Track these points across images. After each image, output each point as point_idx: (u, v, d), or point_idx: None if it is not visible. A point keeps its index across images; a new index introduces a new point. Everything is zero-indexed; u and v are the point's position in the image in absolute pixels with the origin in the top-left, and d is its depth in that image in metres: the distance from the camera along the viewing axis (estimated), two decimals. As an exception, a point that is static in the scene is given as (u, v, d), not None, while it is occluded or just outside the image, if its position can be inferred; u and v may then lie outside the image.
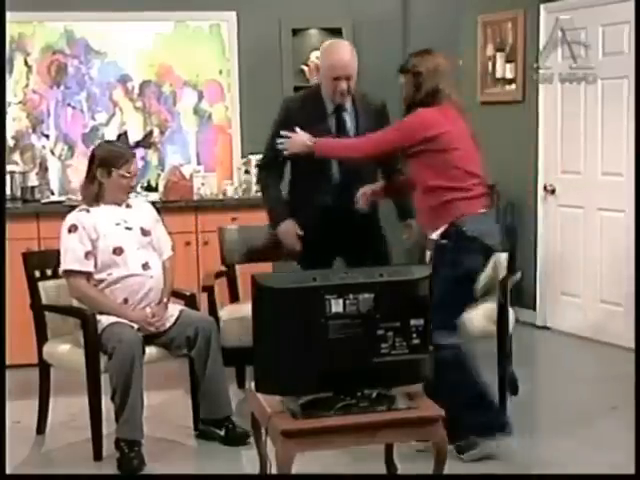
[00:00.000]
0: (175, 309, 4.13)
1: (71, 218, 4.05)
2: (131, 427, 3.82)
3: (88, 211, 4.06)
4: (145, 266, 4.03)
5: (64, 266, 4.00)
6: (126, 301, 3.99)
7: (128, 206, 4.14)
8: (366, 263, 4.03)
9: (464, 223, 3.71)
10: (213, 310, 4.41)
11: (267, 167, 4.36)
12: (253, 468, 3.58)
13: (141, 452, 3.81)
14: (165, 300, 4.10)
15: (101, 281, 3.99)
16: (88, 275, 3.98)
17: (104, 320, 3.90)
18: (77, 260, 3.96)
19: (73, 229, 3.99)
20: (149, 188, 5.89)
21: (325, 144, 3.94)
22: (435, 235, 3.79)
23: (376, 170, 4.29)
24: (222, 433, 4.05)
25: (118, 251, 3.99)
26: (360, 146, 3.91)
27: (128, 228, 4.06)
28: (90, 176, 4.07)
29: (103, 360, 3.86)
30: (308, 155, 3.93)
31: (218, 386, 4.07)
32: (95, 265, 3.98)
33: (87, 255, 3.96)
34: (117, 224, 4.04)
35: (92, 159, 4.09)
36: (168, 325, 4.05)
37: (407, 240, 4.36)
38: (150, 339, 3.98)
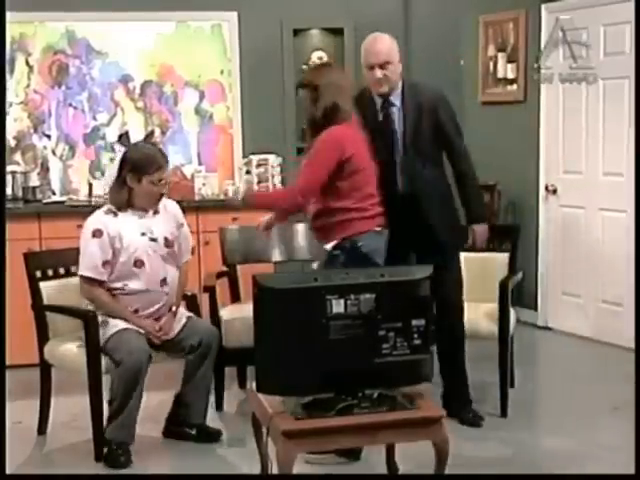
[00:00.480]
0: (183, 316, 4.12)
1: (97, 220, 3.93)
2: (124, 432, 3.84)
3: (116, 215, 3.94)
4: (163, 282, 3.98)
5: (80, 271, 3.94)
6: (137, 311, 3.97)
7: (156, 212, 4.02)
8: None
9: (360, 239, 3.73)
10: (214, 310, 4.41)
11: None
12: (252, 468, 3.58)
13: (129, 450, 3.83)
14: (174, 308, 4.07)
15: (115, 289, 3.94)
16: (102, 282, 3.93)
17: (114, 324, 3.89)
18: (94, 268, 3.89)
19: (98, 234, 3.88)
20: (150, 188, 5.89)
21: (256, 197, 4.06)
22: (329, 246, 3.79)
23: (441, 175, 4.18)
24: (194, 432, 4.06)
25: (139, 264, 3.91)
26: (289, 198, 3.84)
27: (153, 239, 3.95)
28: (120, 180, 3.94)
29: (105, 361, 3.86)
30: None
31: (202, 396, 4.08)
32: (111, 273, 3.91)
33: (105, 264, 3.89)
34: (142, 234, 3.93)
35: (123, 162, 3.95)
36: (173, 335, 4.04)
37: (471, 244, 4.25)
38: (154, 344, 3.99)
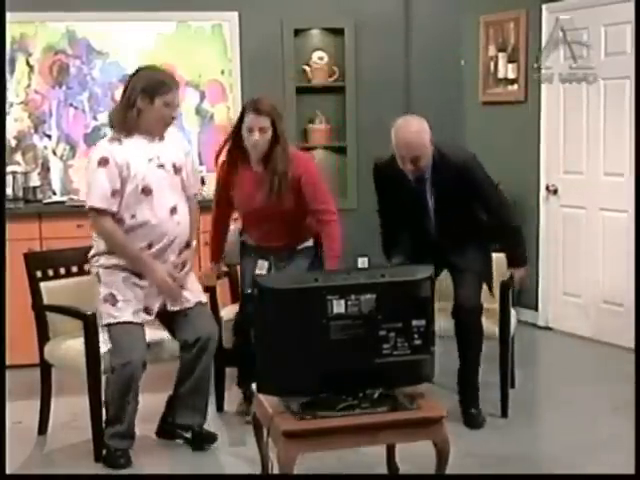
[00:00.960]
0: (194, 297, 3.97)
1: (102, 149, 3.72)
2: (125, 442, 3.84)
3: (120, 142, 3.71)
4: (173, 210, 3.78)
5: (90, 202, 3.70)
6: (150, 247, 3.74)
7: (161, 139, 3.80)
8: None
9: None
10: (215, 311, 4.40)
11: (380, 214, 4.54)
12: (252, 469, 3.58)
13: (128, 452, 3.82)
14: (187, 268, 3.92)
15: (122, 221, 3.70)
16: (113, 214, 3.69)
17: (121, 308, 3.76)
18: (104, 198, 3.65)
19: (103, 162, 3.65)
20: (151, 188, 5.89)
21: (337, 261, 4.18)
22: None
23: (471, 222, 4.27)
24: (188, 436, 4.00)
25: (147, 191, 3.69)
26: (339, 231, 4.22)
27: (160, 165, 3.74)
28: (129, 103, 3.70)
29: (105, 359, 3.84)
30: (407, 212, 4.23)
31: (200, 396, 4.01)
32: (120, 204, 3.69)
33: (114, 194, 3.65)
34: (150, 160, 3.72)
35: (129, 84, 3.74)
36: (180, 308, 3.90)
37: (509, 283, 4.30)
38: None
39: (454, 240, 4.21)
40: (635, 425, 3.81)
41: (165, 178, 3.78)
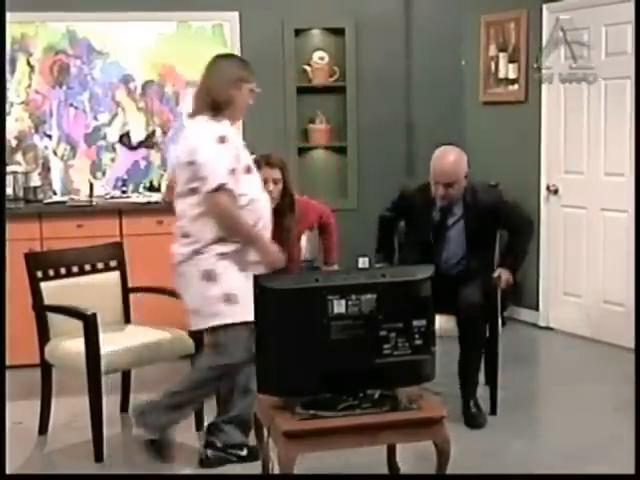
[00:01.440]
0: None
1: (218, 128, 3.61)
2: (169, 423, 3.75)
3: (223, 123, 3.67)
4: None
5: (217, 180, 3.52)
6: (254, 225, 3.67)
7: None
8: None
9: None
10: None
11: (381, 228, 4.64)
12: (253, 469, 3.58)
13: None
14: None
15: (235, 200, 3.60)
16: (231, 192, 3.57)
17: (235, 314, 3.57)
18: (227, 174, 3.54)
19: (223, 140, 3.56)
20: (151, 188, 5.89)
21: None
22: None
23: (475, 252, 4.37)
24: (244, 453, 3.82)
25: (250, 170, 3.68)
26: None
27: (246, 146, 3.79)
28: (220, 89, 3.71)
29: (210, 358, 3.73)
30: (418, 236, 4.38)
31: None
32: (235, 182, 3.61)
33: (233, 171, 3.56)
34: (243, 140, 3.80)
35: (213, 72, 3.83)
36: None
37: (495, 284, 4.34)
38: None
39: (463, 272, 4.34)
40: (635, 425, 3.81)
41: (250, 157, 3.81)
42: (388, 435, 3.17)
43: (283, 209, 4.12)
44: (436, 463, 3.15)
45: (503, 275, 4.32)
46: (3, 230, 4.12)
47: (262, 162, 4.10)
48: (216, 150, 3.56)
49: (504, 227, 4.42)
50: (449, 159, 4.21)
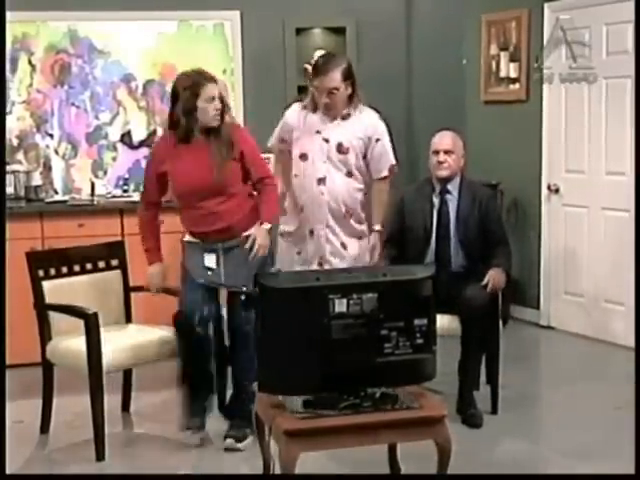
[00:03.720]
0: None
1: (294, 106, 4.46)
2: None
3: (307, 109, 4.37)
4: (320, 181, 4.19)
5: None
6: (302, 210, 4.11)
7: (344, 118, 4.26)
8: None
9: None
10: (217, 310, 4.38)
11: (389, 241, 4.61)
12: (254, 468, 3.58)
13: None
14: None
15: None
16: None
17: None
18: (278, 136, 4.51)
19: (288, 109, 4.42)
20: (152, 187, 5.88)
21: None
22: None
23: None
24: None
25: (304, 157, 4.22)
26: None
27: (325, 140, 4.22)
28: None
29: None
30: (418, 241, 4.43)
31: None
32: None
33: (283, 140, 4.42)
34: (317, 132, 4.24)
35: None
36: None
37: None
38: None
39: (464, 271, 4.38)
40: (635, 425, 3.80)
41: (325, 151, 4.24)
42: (389, 434, 3.16)
43: (221, 127, 3.97)
44: (437, 462, 3.14)
45: (492, 273, 4.29)
46: (3, 229, 4.12)
47: (202, 79, 3.89)
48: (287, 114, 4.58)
49: (486, 236, 4.42)
50: (445, 132, 4.51)
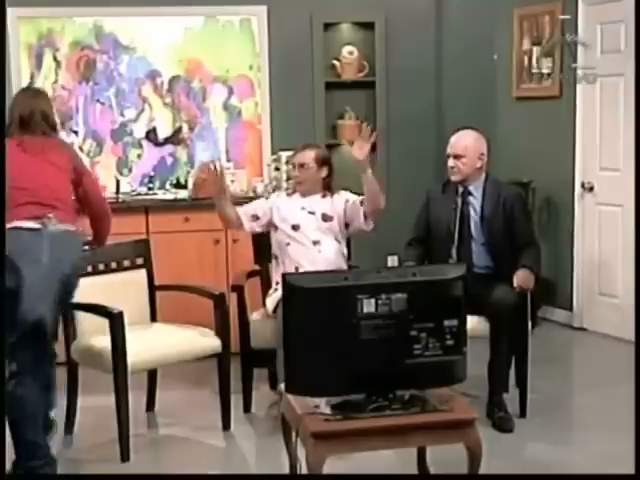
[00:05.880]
0: None
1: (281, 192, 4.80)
2: None
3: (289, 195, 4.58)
4: (316, 243, 4.38)
5: None
6: (296, 270, 4.29)
7: (324, 197, 4.48)
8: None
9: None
10: (242, 310, 4.34)
11: (412, 243, 4.60)
12: (280, 470, 3.53)
13: None
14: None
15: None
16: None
17: None
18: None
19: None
20: (178, 185, 5.85)
21: None
22: None
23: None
24: None
25: (296, 228, 4.40)
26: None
27: (311, 212, 4.43)
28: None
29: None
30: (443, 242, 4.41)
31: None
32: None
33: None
34: (302, 207, 4.45)
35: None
36: None
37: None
38: None
39: (492, 272, 4.35)
40: (635, 425, 3.71)
41: (313, 221, 4.42)
42: (418, 437, 3.12)
43: None
44: (468, 466, 3.09)
45: (519, 274, 4.21)
46: (3, 228, 4.07)
47: None
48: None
49: (514, 238, 4.36)
50: (461, 134, 4.46)
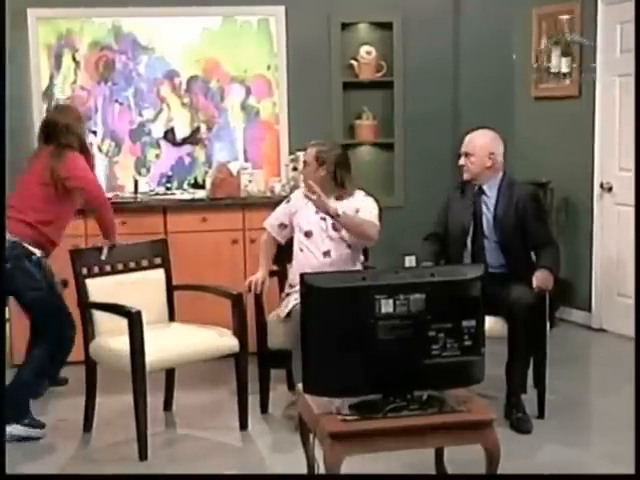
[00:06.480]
0: None
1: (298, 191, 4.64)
2: None
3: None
4: (326, 254, 4.34)
5: None
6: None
7: (338, 199, 4.36)
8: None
9: None
10: (260, 311, 4.34)
11: (429, 238, 4.58)
12: (297, 470, 3.53)
13: None
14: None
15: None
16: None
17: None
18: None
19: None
20: (196, 185, 5.86)
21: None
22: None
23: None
24: None
25: (308, 234, 4.39)
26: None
27: (323, 218, 4.36)
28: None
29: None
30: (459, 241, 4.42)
31: None
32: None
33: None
34: (316, 212, 4.35)
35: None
36: None
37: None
38: None
39: (509, 270, 4.32)
40: (635, 425, 3.71)
41: (325, 228, 4.38)
42: (436, 438, 3.11)
43: None
44: (486, 467, 3.07)
45: (538, 275, 4.18)
46: (3, 228, 4.10)
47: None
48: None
49: (531, 238, 4.33)
50: (476, 133, 4.47)
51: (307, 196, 4.24)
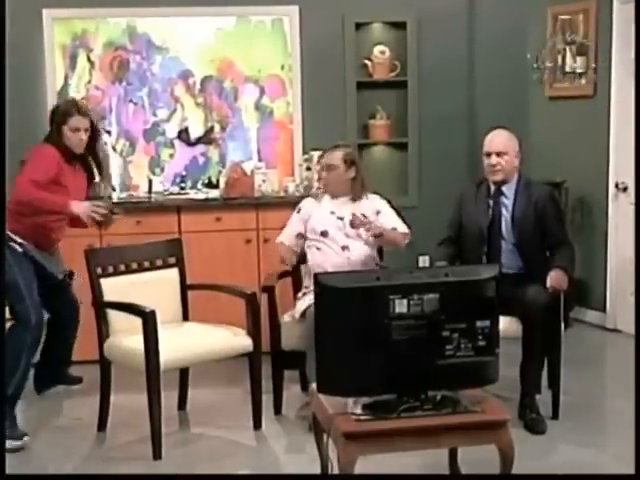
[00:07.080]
0: None
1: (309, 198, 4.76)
2: None
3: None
4: (344, 248, 4.40)
5: None
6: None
7: (353, 200, 4.49)
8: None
9: None
10: (273, 312, 4.34)
11: (444, 242, 4.57)
12: (311, 469, 3.53)
13: None
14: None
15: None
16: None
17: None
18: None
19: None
20: (210, 185, 5.86)
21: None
22: None
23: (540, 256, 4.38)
24: None
25: (325, 234, 4.45)
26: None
27: (340, 218, 4.45)
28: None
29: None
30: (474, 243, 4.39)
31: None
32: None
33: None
34: (332, 212, 4.49)
35: None
36: None
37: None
38: None
39: (526, 271, 4.31)
40: (635, 425, 3.70)
41: (341, 227, 4.46)
42: (450, 438, 3.10)
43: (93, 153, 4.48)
44: (500, 467, 3.07)
45: (552, 275, 4.17)
46: (3, 227, 4.11)
47: (74, 110, 4.31)
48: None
49: (548, 238, 4.34)
50: (499, 132, 4.42)
51: (354, 225, 4.31)
